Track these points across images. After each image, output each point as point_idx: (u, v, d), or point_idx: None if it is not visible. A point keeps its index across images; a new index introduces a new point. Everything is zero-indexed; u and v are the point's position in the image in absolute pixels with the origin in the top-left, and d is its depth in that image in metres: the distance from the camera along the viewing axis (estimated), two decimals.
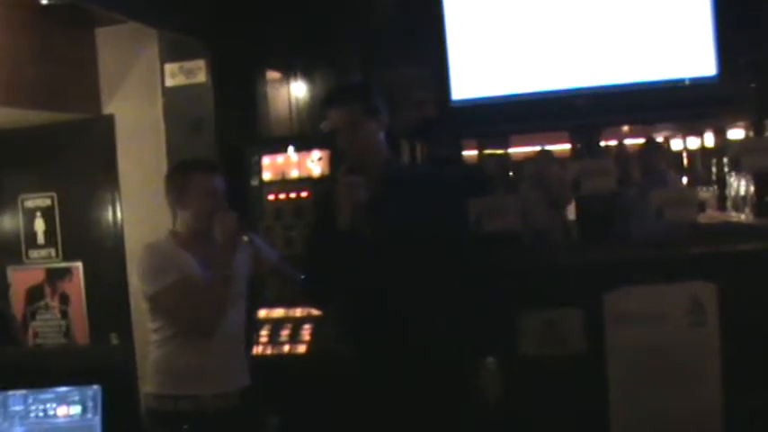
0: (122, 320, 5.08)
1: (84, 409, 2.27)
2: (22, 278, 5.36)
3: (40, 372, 2.40)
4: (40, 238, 5.34)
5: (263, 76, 5.49)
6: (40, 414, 2.28)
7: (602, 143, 5.01)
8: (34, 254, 5.37)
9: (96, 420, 2.26)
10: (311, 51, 5.42)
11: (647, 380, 4.13)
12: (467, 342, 3.17)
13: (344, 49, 5.40)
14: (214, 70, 4.97)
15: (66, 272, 5.27)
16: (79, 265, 5.26)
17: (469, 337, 3.17)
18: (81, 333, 5.23)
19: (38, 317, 5.33)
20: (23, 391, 2.30)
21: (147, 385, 3.63)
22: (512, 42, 4.64)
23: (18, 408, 2.29)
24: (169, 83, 5.02)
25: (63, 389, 2.29)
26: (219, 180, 3.63)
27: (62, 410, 2.28)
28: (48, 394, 2.29)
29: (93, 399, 2.27)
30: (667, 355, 4.13)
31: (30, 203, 5.37)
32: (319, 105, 3.46)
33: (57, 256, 5.31)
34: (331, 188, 3.32)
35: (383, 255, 3.14)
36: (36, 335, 5.31)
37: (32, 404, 2.29)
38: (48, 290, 5.32)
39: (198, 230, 3.61)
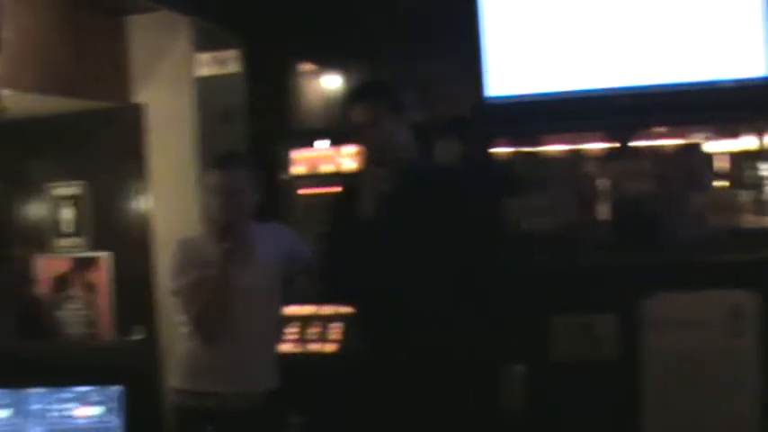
0: (148, 313, 5.02)
1: (106, 411, 2.20)
2: (48, 267, 5.30)
3: (61, 369, 2.33)
4: (68, 227, 5.28)
5: (297, 67, 5.40)
6: (60, 414, 2.21)
7: (637, 144, 4.88)
8: (62, 242, 5.30)
9: (117, 423, 2.19)
10: (346, 44, 5.33)
11: (681, 388, 4.04)
12: (483, 343, 3.13)
13: (379, 42, 5.30)
14: (247, 61, 4.90)
15: (93, 262, 5.21)
16: (106, 255, 5.19)
17: (486, 339, 3.13)
18: (105, 324, 5.16)
19: (64, 306, 5.27)
20: (43, 390, 2.23)
21: (173, 380, 3.59)
22: (551, 38, 4.54)
23: (37, 407, 2.23)
24: (201, 73, 4.95)
25: (84, 388, 2.22)
26: (234, 177, 3.52)
27: (82, 411, 2.21)
28: (68, 393, 2.22)
29: (116, 400, 2.20)
30: (704, 365, 4.03)
31: (58, 192, 5.30)
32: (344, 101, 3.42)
33: (84, 245, 5.25)
34: (353, 182, 3.33)
35: (399, 252, 3.12)
36: (62, 325, 5.25)
37: (52, 403, 2.22)
38: (74, 279, 5.26)
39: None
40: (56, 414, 2.24)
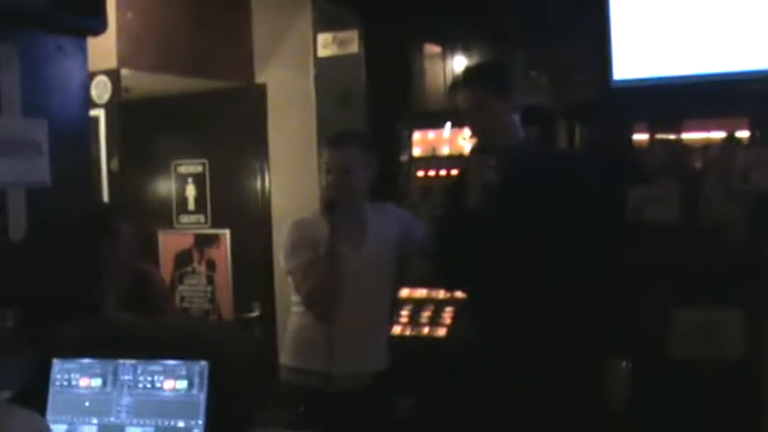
0: (266, 290, 5.09)
1: (191, 385, 2.23)
2: (171, 242, 5.45)
3: (151, 343, 2.37)
4: (191, 204, 5.41)
5: (420, 49, 5.34)
6: (148, 385, 2.25)
7: None
8: (184, 219, 5.44)
9: (201, 397, 2.22)
10: (472, 26, 5.23)
11: None
12: (595, 337, 3.01)
13: (506, 24, 5.18)
14: (367, 41, 4.88)
15: (214, 238, 5.32)
16: (227, 232, 5.29)
17: (598, 332, 3.01)
18: (225, 300, 5.27)
19: (185, 281, 5.41)
20: (133, 361, 2.28)
21: (283, 357, 3.62)
22: (682, 17, 4.35)
23: (127, 377, 2.28)
24: (321, 53, 4.96)
25: (171, 362, 2.25)
26: (346, 155, 3.49)
27: (169, 384, 2.25)
28: (156, 366, 2.26)
29: (200, 375, 2.22)
30: None
31: (182, 169, 5.44)
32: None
33: (206, 222, 5.37)
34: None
35: (508, 239, 3.06)
36: (182, 299, 5.39)
37: (141, 375, 2.27)
38: (196, 255, 5.38)
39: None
40: (144, 386, 2.28)
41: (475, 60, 5.25)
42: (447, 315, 4.42)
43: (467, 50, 5.33)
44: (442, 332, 4.38)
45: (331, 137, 3.68)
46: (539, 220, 3.03)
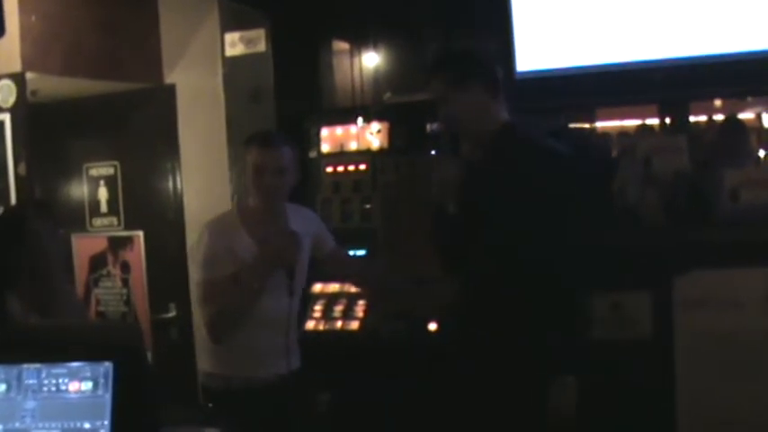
0: (181, 290, 5.08)
1: (96, 386, 2.23)
2: (85, 246, 5.41)
3: (55, 346, 2.37)
4: (104, 207, 5.38)
5: (328, 46, 5.38)
6: (53, 389, 2.25)
7: (674, 118, 4.77)
8: (97, 222, 5.41)
9: (107, 397, 2.22)
10: (380, 22, 5.28)
11: (717, 370, 3.93)
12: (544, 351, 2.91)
13: (415, 19, 5.24)
14: (275, 40, 4.89)
15: (128, 240, 5.29)
16: (140, 234, 5.28)
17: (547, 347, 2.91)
18: (141, 302, 5.26)
19: (100, 285, 5.38)
20: (37, 365, 2.27)
21: (201, 362, 3.62)
22: (582, 10, 4.46)
23: (31, 381, 2.27)
24: (229, 52, 4.96)
25: (75, 364, 2.25)
26: (280, 155, 3.43)
27: (74, 386, 2.25)
28: (60, 369, 2.26)
29: (105, 375, 2.23)
30: (741, 345, 3.92)
31: (94, 172, 5.40)
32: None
33: (119, 224, 5.34)
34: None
35: (473, 235, 2.98)
36: (98, 303, 5.36)
37: (45, 378, 2.26)
38: (110, 258, 5.35)
39: (259, 208, 3.51)
40: (49, 389, 2.27)
41: (384, 56, 5.32)
42: (359, 308, 4.47)
43: (375, 46, 5.39)
44: (354, 325, 4.43)
45: (261, 137, 3.52)
46: (507, 223, 2.88)
